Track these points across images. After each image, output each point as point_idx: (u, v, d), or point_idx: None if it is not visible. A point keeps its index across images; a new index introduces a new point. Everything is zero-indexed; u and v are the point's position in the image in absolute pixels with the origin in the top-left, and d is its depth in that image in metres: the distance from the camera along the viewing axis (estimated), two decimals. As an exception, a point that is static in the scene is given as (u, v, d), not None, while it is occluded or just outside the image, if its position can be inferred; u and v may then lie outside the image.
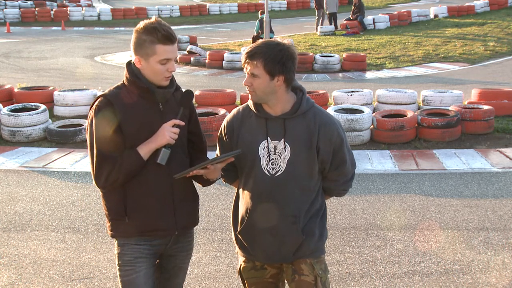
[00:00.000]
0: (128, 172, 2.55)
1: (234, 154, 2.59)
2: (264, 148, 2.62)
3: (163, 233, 2.70)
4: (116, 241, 2.73)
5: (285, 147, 2.60)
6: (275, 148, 2.61)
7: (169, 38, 2.55)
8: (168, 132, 2.58)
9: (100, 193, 2.71)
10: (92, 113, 2.58)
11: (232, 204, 2.85)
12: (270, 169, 2.62)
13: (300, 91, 2.67)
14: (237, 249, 2.81)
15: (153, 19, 2.58)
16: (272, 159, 2.62)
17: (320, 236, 2.71)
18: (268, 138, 2.62)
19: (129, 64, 2.67)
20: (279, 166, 2.61)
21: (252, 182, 2.66)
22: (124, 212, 2.63)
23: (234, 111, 2.77)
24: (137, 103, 2.61)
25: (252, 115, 2.67)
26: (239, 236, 2.73)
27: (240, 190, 2.75)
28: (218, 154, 2.80)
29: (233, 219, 2.81)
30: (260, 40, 2.60)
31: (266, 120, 2.63)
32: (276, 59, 2.49)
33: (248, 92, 2.61)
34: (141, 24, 2.57)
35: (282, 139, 2.60)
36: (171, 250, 2.80)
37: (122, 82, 2.68)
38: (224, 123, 2.75)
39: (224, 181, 2.88)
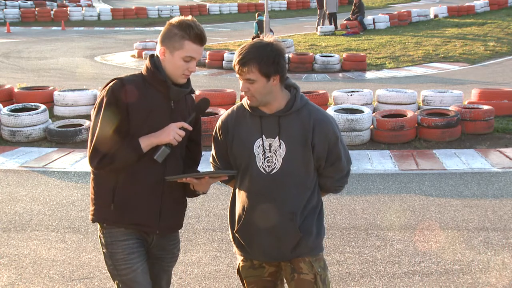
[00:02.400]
0: (124, 159, 2.55)
1: (229, 174, 2.64)
2: (259, 146, 2.62)
3: (144, 229, 2.69)
4: (103, 238, 2.71)
5: (280, 145, 2.60)
6: (270, 145, 2.61)
7: (200, 39, 2.59)
8: (173, 132, 2.58)
9: (91, 176, 2.72)
10: (104, 93, 2.58)
11: (229, 203, 2.85)
12: (265, 167, 2.62)
13: (294, 89, 2.67)
14: (234, 248, 2.81)
15: (190, 17, 2.62)
16: (268, 157, 2.62)
17: (318, 233, 2.71)
18: (263, 136, 2.62)
19: (152, 57, 2.69)
20: (275, 163, 2.61)
21: (248, 180, 2.66)
22: (111, 199, 2.64)
23: (229, 110, 2.77)
24: (150, 94, 2.62)
25: (246, 114, 2.67)
26: (237, 235, 2.73)
27: (237, 189, 2.76)
28: (214, 154, 2.81)
29: (230, 218, 2.81)
30: (248, 43, 2.56)
31: (261, 118, 2.63)
32: (269, 61, 2.50)
33: (246, 96, 2.61)
34: (177, 18, 2.61)
35: (277, 137, 2.61)
36: (157, 253, 2.79)
37: (140, 72, 2.69)
38: (219, 122, 2.75)
39: (220, 181, 2.87)
